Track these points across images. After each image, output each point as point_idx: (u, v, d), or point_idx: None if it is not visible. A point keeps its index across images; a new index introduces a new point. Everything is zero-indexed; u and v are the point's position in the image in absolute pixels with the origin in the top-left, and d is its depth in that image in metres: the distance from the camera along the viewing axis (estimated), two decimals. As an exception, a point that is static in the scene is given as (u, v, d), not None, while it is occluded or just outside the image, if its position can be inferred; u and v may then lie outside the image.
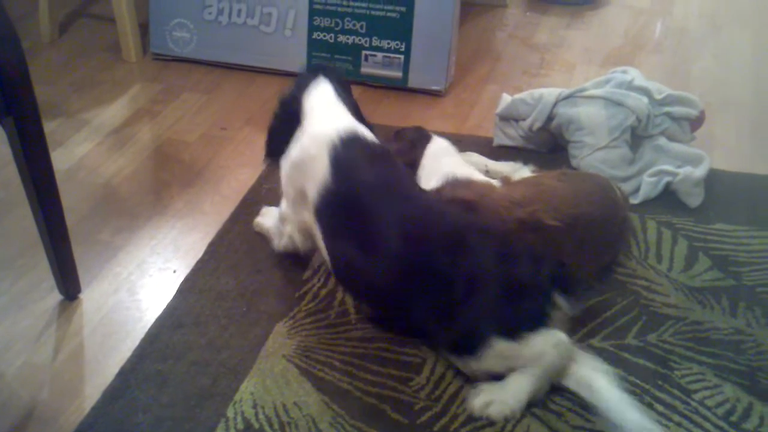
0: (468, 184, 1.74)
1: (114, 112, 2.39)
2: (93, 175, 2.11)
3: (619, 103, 2.01)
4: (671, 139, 2.04)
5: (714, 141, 2.18)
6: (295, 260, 1.77)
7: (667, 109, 2.04)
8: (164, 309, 1.66)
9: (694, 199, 1.94)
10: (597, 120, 2.00)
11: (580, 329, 1.59)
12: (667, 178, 1.96)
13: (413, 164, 1.86)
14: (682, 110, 2.05)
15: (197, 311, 1.65)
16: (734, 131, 2.26)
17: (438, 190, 1.75)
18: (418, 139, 1.91)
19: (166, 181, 2.09)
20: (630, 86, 2.05)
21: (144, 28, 2.69)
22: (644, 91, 2.04)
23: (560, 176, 1.75)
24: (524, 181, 1.76)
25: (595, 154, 1.98)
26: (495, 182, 1.76)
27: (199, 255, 1.80)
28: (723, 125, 2.25)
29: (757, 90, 2.47)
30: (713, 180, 2.00)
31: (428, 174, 1.82)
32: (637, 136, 2.03)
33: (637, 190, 1.96)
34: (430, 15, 2.40)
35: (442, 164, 1.83)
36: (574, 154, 2.04)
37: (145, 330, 1.60)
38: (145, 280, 1.76)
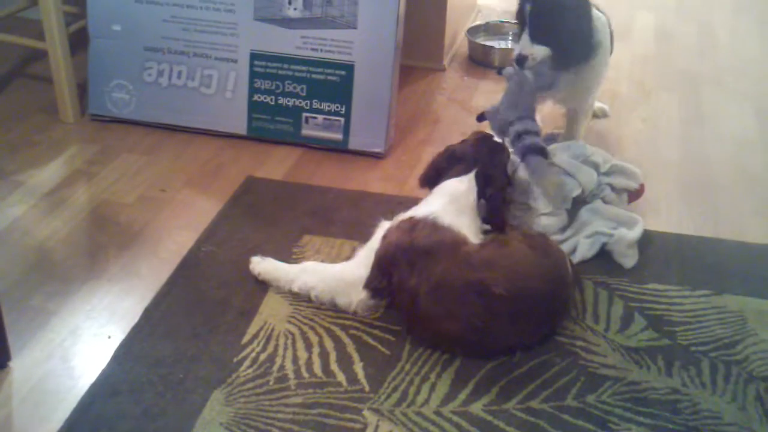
0: (442, 231, 1.76)
1: (50, 173, 2.35)
2: (26, 237, 2.07)
3: (571, 175, 2.06)
4: (607, 203, 2.10)
5: (645, 202, 2.24)
6: (233, 324, 1.75)
7: (609, 180, 2.11)
8: (98, 376, 1.62)
9: (629, 260, 1.99)
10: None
11: (520, 391, 1.60)
12: (602, 239, 2.00)
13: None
14: (623, 182, 2.12)
15: (132, 378, 1.61)
16: (664, 193, 2.33)
17: (413, 225, 1.78)
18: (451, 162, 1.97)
19: (102, 243, 2.05)
20: (586, 159, 2.11)
21: (82, 89, 2.67)
22: (595, 165, 2.10)
23: (526, 240, 1.79)
24: (491, 243, 1.80)
25: (537, 220, 2.02)
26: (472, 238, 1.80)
27: (135, 320, 1.77)
28: (653, 187, 2.32)
29: (684, 153, 2.56)
30: (646, 241, 2.05)
31: (424, 201, 1.90)
32: (576, 202, 2.08)
33: (573, 250, 2.00)
34: (370, 78, 2.44)
35: (435, 202, 1.86)
36: (516, 215, 2.07)
37: (78, 398, 1.56)
38: (79, 346, 1.71)
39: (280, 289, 1.86)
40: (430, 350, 1.71)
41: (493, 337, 1.67)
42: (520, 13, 2.14)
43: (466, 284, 1.66)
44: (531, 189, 2.05)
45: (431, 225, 1.78)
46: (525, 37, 2.09)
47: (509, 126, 2.07)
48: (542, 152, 2.01)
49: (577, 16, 2.09)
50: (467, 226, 1.82)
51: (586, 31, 2.12)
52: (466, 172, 1.92)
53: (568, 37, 2.08)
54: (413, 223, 1.80)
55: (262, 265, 1.89)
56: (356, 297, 1.79)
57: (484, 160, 1.94)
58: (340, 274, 1.83)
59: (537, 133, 2.06)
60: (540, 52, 2.09)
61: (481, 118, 2.22)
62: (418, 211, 1.85)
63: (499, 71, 2.25)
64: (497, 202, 1.92)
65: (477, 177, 1.91)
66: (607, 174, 2.12)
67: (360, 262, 1.82)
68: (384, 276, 1.76)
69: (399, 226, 1.81)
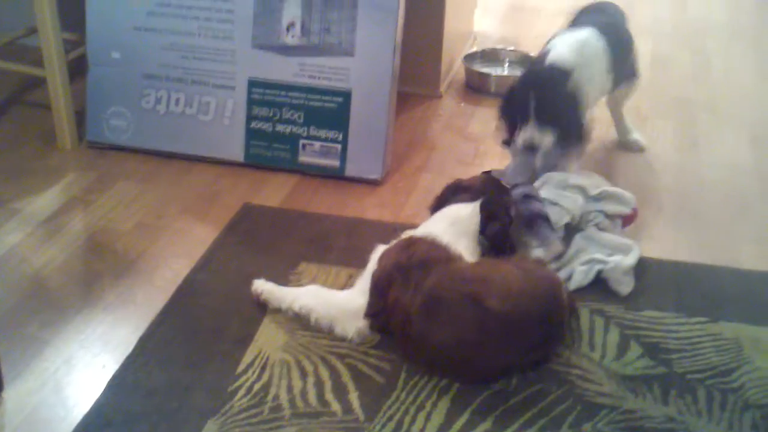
0: (438, 248, 1.79)
1: (47, 200, 2.35)
2: (22, 265, 2.07)
3: (554, 204, 2.08)
4: (602, 230, 2.10)
5: (640, 229, 2.25)
6: (228, 353, 1.75)
7: (601, 206, 2.11)
8: (92, 406, 1.61)
9: (625, 287, 1.99)
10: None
11: (516, 419, 1.60)
12: (598, 267, 2.00)
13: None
14: (616, 208, 2.13)
15: (126, 408, 1.61)
16: (659, 220, 2.33)
17: (410, 243, 1.80)
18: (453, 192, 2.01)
19: (98, 271, 2.05)
20: (566, 185, 2.12)
21: (80, 116, 2.68)
22: (579, 189, 2.12)
23: (521, 264, 1.81)
24: (485, 261, 1.83)
25: (532, 252, 2.02)
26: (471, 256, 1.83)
27: (130, 349, 1.76)
28: (649, 214, 2.32)
29: (680, 179, 2.57)
30: (641, 267, 2.05)
31: (424, 224, 1.95)
32: (569, 230, 2.08)
33: (569, 278, 2.00)
34: (367, 106, 2.46)
35: (435, 224, 1.89)
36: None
37: (71, 428, 1.55)
38: (73, 376, 1.71)
39: (280, 311, 1.86)
40: (425, 379, 1.70)
41: (486, 355, 1.67)
42: (519, 102, 2.26)
43: (459, 296, 1.67)
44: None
45: (429, 242, 1.81)
46: (532, 125, 2.21)
47: (514, 188, 2.11)
48: (547, 220, 2.04)
49: (574, 102, 2.23)
50: (465, 248, 1.84)
51: (581, 115, 2.26)
52: (471, 200, 1.94)
53: (567, 122, 2.22)
54: (410, 242, 1.82)
55: (266, 286, 1.90)
56: (355, 326, 1.79)
57: (490, 194, 1.96)
58: (342, 302, 1.83)
59: (540, 200, 2.10)
60: (548, 138, 2.21)
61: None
62: (416, 231, 1.87)
63: (507, 143, 2.36)
64: (500, 237, 1.93)
65: (482, 207, 1.92)
66: (598, 200, 2.12)
67: (360, 290, 1.82)
68: (381, 297, 1.76)
69: (396, 245, 1.84)
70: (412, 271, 1.73)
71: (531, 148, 2.24)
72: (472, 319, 1.65)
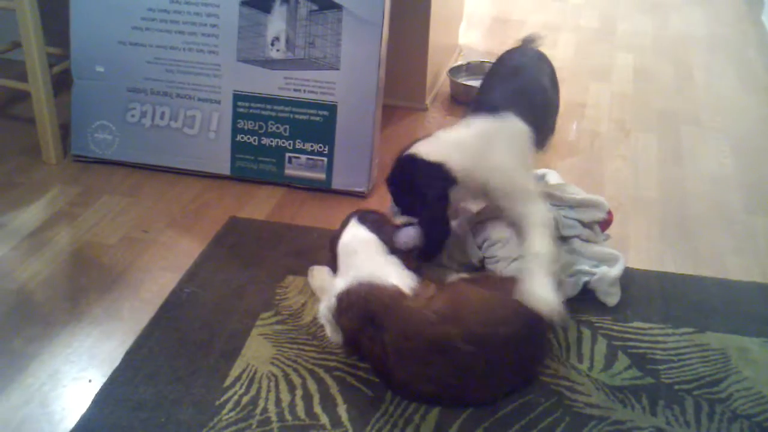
0: (378, 290, 1.68)
1: (31, 214, 2.34)
2: (6, 280, 2.05)
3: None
4: (585, 241, 2.10)
5: (626, 240, 2.26)
6: (216, 367, 1.74)
7: (575, 215, 2.11)
8: (78, 421, 1.60)
9: (612, 298, 2.00)
10: (505, 233, 2.01)
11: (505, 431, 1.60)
12: (584, 278, 2.01)
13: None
14: (590, 214, 2.12)
15: (113, 422, 1.59)
16: (645, 230, 2.34)
17: (343, 296, 1.71)
18: (342, 227, 1.87)
19: (84, 286, 2.04)
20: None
21: (65, 130, 2.67)
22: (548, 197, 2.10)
23: (489, 283, 1.76)
24: (447, 290, 1.73)
25: (511, 266, 1.97)
26: (410, 286, 1.70)
27: (117, 363, 1.75)
28: (634, 225, 2.34)
29: (663, 191, 2.58)
30: (628, 279, 2.06)
31: (341, 272, 1.78)
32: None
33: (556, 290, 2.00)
34: (353, 119, 2.46)
35: (354, 262, 1.78)
36: (491, 269, 2.02)
37: (57, 444, 1.54)
38: (59, 390, 1.69)
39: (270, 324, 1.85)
40: (414, 391, 1.70)
41: (472, 392, 1.64)
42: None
43: (428, 344, 1.60)
44: (492, 241, 2.01)
45: (356, 294, 1.68)
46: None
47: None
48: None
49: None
50: (397, 276, 1.71)
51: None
52: (347, 224, 1.86)
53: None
54: (345, 305, 1.71)
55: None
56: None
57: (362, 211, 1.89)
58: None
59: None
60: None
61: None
62: (338, 287, 1.74)
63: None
64: (411, 241, 1.81)
65: (360, 220, 1.83)
66: (572, 208, 2.11)
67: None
68: (355, 350, 1.75)
69: (339, 305, 1.73)
70: (370, 329, 1.65)
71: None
72: (448, 363, 1.60)
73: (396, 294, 1.67)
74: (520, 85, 2.11)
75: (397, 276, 1.73)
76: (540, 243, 1.82)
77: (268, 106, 2.50)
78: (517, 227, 1.92)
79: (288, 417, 1.62)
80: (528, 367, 1.72)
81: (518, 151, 1.93)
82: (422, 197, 1.85)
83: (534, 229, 1.85)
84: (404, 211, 1.93)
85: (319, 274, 1.99)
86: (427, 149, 1.91)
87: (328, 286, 1.84)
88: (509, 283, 1.77)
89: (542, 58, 2.31)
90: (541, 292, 1.72)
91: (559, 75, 2.36)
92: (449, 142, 1.91)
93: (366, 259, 1.77)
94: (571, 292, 1.99)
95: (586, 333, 1.89)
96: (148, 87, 2.56)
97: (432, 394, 1.65)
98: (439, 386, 1.63)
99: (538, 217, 1.87)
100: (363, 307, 1.67)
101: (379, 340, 1.64)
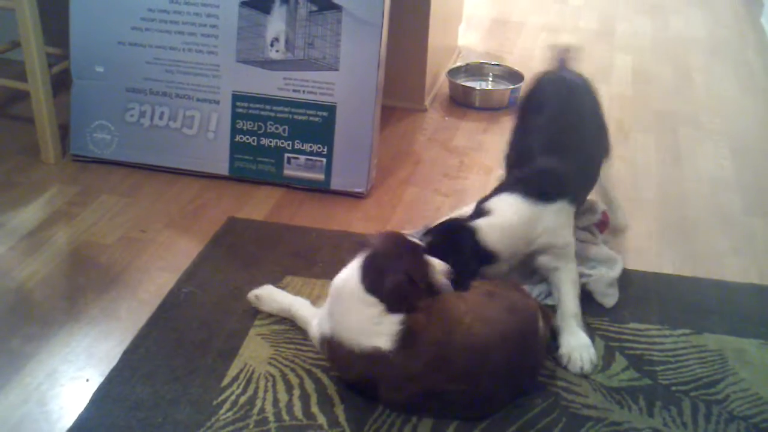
0: (358, 355, 1.60)
1: (30, 214, 2.34)
2: (5, 279, 2.05)
3: None
4: (583, 242, 2.11)
5: (625, 242, 2.26)
6: (213, 367, 1.74)
7: None
8: (75, 420, 1.60)
9: (609, 299, 2.00)
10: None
11: (502, 431, 1.60)
12: (582, 279, 2.01)
13: None
14: (586, 219, 2.13)
15: (110, 422, 1.59)
16: (643, 232, 2.35)
17: (326, 346, 1.68)
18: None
19: (82, 285, 2.04)
20: None
21: (64, 130, 2.67)
22: None
23: (488, 290, 1.72)
24: (426, 341, 1.58)
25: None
26: (389, 340, 1.57)
27: (114, 363, 1.75)
28: (633, 226, 2.34)
29: (662, 192, 2.59)
30: (625, 280, 2.06)
31: (326, 308, 1.70)
32: None
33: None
34: (352, 119, 2.46)
35: (338, 310, 1.65)
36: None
37: (54, 444, 1.54)
38: (57, 390, 1.69)
39: (260, 331, 1.86)
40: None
41: (472, 413, 1.63)
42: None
43: (418, 394, 1.59)
44: None
45: (338, 352, 1.64)
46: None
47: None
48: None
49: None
50: (371, 334, 1.59)
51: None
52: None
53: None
54: (329, 356, 1.70)
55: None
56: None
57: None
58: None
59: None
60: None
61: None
62: (321, 328, 1.70)
63: None
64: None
65: (364, 267, 1.63)
66: None
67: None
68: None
69: (325, 355, 1.73)
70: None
71: None
72: (443, 403, 1.61)
73: (377, 356, 1.58)
74: (556, 134, 1.99)
75: (377, 333, 1.59)
76: (574, 303, 1.87)
77: (267, 107, 2.50)
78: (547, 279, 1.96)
79: (285, 417, 1.62)
80: (526, 379, 1.70)
81: (563, 222, 1.92)
82: (462, 266, 1.78)
83: (566, 287, 1.88)
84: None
85: (269, 298, 1.92)
86: (485, 231, 1.83)
87: (300, 311, 1.84)
88: (506, 288, 1.77)
89: (577, 88, 2.13)
90: (582, 353, 1.79)
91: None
92: (497, 227, 1.84)
93: (350, 311, 1.63)
94: None
95: (584, 334, 1.89)
96: (147, 87, 2.56)
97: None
98: (439, 415, 1.64)
99: (572, 276, 1.90)
100: (347, 366, 1.65)
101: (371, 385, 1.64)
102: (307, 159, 2.50)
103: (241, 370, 1.74)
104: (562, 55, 2.24)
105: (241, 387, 1.70)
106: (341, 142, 2.47)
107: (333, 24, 2.42)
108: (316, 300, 1.92)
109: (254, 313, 1.92)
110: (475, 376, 1.59)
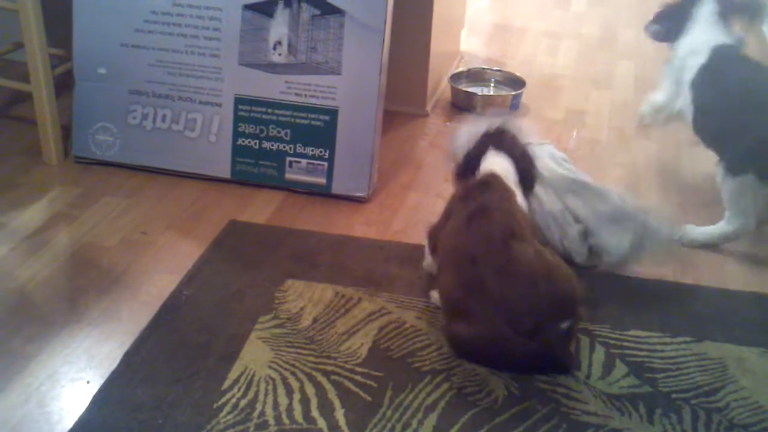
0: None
1: (31, 215, 2.34)
2: (6, 280, 2.05)
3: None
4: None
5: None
6: (214, 370, 1.74)
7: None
8: (76, 422, 1.60)
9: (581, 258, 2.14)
10: None
11: (502, 438, 1.60)
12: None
13: None
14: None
15: (111, 424, 1.59)
16: (645, 239, 2.35)
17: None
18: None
19: (83, 287, 2.04)
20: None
21: (66, 131, 2.67)
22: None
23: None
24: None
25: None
26: None
27: (115, 364, 1.75)
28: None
29: (661, 198, 2.59)
30: (627, 287, 2.07)
31: None
32: None
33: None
34: (354, 124, 2.47)
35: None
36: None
37: (54, 445, 1.54)
38: (57, 391, 1.69)
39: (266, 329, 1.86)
40: (412, 396, 1.70)
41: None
42: None
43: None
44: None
45: None
46: None
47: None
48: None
49: None
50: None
51: None
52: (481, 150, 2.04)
53: None
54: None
55: None
56: None
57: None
58: None
59: None
60: None
61: None
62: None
63: None
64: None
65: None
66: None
67: None
68: None
69: None
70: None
71: None
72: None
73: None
74: None
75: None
76: None
77: (269, 110, 2.50)
78: None
79: (285, 420, 1.62)
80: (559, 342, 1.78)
81: None
82: None
83: None
84: None
85: None
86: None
87: None
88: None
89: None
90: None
91: (560, 82, 2.36)
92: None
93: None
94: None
95: (584, 341, 1.89)
96: (149, 89, 2.57)
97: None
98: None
99: None
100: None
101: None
102: (309, 163, 2.50)
103: (242, 373, 1.74)
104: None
105: (242, 390, 1.70)
106: (343, 147, 2.48)
107: (336, 28, 2.42)
108: (317, 304, 1.92)
109: (255, 316, 1.92)
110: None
